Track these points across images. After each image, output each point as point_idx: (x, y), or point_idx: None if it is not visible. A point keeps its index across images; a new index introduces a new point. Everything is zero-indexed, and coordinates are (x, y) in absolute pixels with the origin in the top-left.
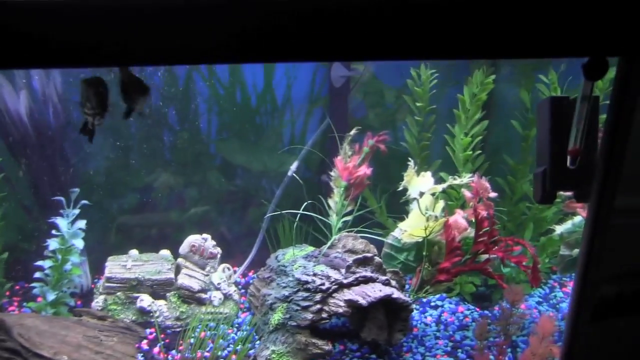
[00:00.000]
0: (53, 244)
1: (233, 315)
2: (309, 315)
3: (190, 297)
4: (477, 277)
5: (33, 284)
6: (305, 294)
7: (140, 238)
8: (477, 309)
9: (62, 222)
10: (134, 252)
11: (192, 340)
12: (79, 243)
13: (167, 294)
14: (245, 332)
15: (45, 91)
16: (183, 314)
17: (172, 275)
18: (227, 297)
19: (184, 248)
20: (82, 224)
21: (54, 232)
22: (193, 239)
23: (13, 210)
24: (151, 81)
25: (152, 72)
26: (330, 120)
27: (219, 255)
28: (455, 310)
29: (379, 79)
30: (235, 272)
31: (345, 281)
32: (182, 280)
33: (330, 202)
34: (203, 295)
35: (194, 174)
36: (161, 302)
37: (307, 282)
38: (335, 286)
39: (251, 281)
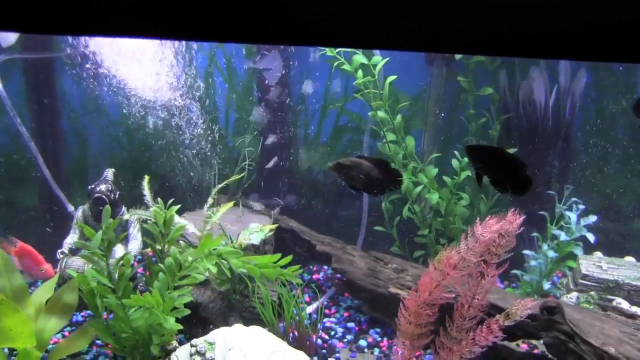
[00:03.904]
0: (561, 235)
1: None
2: None
3: None
4: None
5: (514, 271)
6: None
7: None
8: None
9: (572, 216)
10: (598, 253)
11: None
12: (591, 237)
13: None
14: None
15: (567, 87)
16: None
17: None
18: None
19: None
20: (592, 219)
21: (563, 223)
22: None
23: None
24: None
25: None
26: None
27: None
28: None
29: None
30: None
31: None
32: None
33: None
34: None
35: None
36: (635, 308)
37: None
38: None
39: None
